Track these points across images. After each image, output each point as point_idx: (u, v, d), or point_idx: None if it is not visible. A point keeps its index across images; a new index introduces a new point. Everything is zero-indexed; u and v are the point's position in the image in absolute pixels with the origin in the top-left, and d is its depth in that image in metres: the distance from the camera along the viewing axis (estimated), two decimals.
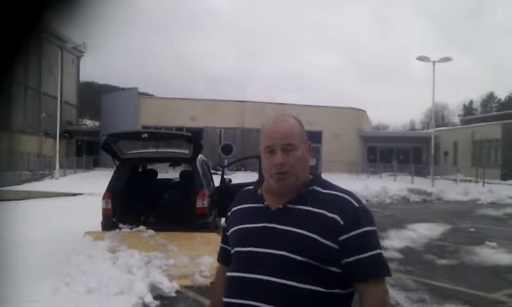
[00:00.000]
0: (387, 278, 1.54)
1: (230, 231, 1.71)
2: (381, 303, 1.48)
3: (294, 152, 1.57)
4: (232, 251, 1.66)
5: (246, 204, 1.70)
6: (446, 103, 71.59)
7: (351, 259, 1.48)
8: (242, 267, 1.57)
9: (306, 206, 1.54)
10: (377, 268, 1.50)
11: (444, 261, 7.51)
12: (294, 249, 1.49)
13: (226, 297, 1.60)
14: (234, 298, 1.56)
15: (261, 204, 1.63)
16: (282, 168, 1.55)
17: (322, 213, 1.51)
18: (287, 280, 1.47)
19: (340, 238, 1.48)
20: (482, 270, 6.98)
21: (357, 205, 1.54)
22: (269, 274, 1.49)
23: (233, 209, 1.75)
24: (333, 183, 1.64)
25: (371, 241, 1.51)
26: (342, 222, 1.49)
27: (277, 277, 1.48)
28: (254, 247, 1.56)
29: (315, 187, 1.59)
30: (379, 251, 1.51)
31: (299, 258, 1.48)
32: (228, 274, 1.63)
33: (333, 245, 1.48)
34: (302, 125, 1.66)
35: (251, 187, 1.77)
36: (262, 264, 1.52)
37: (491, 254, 7.93)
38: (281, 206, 1.57)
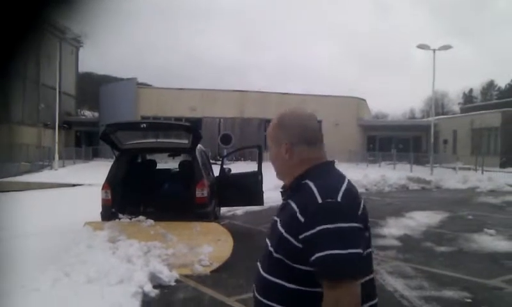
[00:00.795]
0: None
1: None
2: (334, 305, 1.38)
3: (270, 151, 1.70)
4: None
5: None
6: (446, 91, 71.33)
7: (311, 258, 1.43)
8: (261, 255, 1.68)
9: (292, 201, 1.55)
10: (327, 270, 1.40)
11: (442, 249, 7.54)
12: (274, 244, 1.56)
13: None
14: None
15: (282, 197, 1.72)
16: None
17: (292, 209, 1.52)
18: (266, 273, 1.57)
19: (300, 237, 1.45)
20: (481, 257, 7.02)
21: (319, 201, 1.45)
22: (261, 265, 1.63)
23: None
24: (327, 174, 1.58)
25: (326, 240, 1.40)
26: (302, 220, 1.46)
27: (262, 270, 1.61)
28: (267, 238, 1.66)
29: (307, 181, 1.55)
30: (334, 251, 1.38)
31: (274, 253, 1.54)
32: None
33: (297, 244, 1.47)
34: (282, 125, 1.65)
35: None
36: (262, 254, 1.64)
37: (490, 242, 7.96)
38: (283, 200, 1.65)
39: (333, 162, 1.65)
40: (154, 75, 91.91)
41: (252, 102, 36.85)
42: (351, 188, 1.53)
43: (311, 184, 1.52)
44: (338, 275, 1.39)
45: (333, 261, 1.38)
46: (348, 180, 1.58)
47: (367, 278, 1.53)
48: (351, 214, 1.46)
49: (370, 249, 1.57)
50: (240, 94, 37.59)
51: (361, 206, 1.53)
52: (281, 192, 1.71)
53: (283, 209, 1.60)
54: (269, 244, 1.59)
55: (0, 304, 4.27)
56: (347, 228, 1.42)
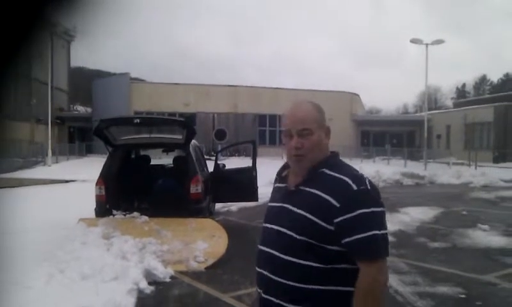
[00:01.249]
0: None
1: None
2: (370, 283, 1.54)
3: (309, 137, 1.68)
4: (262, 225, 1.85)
5: (278, 183, 1.86)
6: (439, 86, 71.62)
7: (347, 240, 1.56)
8: (262, 241, 1.77)
9: (311, 188, 1.65)
10: (367, 250, 1.55)
11: (436, 244, 7.58)
12: (295, 228, 1.63)
13: (255, 266, 1.80)
14: (256, 266, 1.78)
15: (283, 185, 1.79)
16: (298, 151, 1.68)
17: (320, 196, 1.61)
18: (289, 256, 1.63)
19: (335, 221, 1.57)
20: (474, 253, 7.06)
21: (355, 188, 1.58)
22: (277, 249, 1.67)
23: (273, 187, 1.90)
24: (345, 164, 1.71)
25: (365, 223, 1.55)
26: (337, 205, 1.57)
27: (281, 253, 1.65)
28: (271, 224, 1.75)
29: (324, 169, 1.67)
30: (372, 232, 1.55)
31: (298, 237, 1.61)
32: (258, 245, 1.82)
33: (328, 227, 1.58)
34: (320, 110, 1.76)
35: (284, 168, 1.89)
36: (273, 239, 1.70)
37: (483, 237, 8.01)
38: (293, 188, 1.71)
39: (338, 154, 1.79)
40: (147, 70, 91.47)
41: (245, 96, 36.79)
42: (369, 178, 1.68)
43: (335, 173, 1.64)
44: (377, 254, 1.57)
45: (372, 241, 1.55)
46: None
47: None
48: (379, 200, 1.62)
49: None
50: (234, 89, 37.51)
51: None
52: (280, 178, 1.83)
53: (296, 195, 1.68)
54: (285, 229, 1.66)
55: None
56: (379, 212, 1.60)
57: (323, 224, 1.58)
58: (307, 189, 1.66)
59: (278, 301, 1.64)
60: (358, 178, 1.62)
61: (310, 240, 1.59)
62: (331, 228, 1.57)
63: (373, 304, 1.55)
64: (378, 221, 1.58)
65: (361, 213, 1.55)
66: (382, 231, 1.58)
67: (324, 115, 1.76)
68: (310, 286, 1.60)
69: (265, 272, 1.70)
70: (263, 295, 1.71)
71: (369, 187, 1.61)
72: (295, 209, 1.65)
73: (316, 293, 1.59)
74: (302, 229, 1.61)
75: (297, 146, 1.67)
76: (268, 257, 1.70)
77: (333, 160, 1.71)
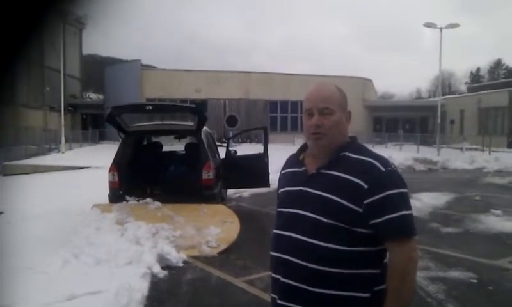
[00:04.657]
0: None
1: (278, 193, 1.87)
2: (406, 261, 1.58)
3: (330, 116, 1.70)
4: (277, 210, 1.83)
5: (291, 168, 1.85)
6: (453, 70, 70.57)
7: (376, 221, 1.59)
8: (280, 225, 1.76)
9: (336, 171, 1.66)
10: (399, 229, 1.59)
11: (449, 230, 7.55)
12: (321, 211, 1.63)
13: (270, 251, 1.79)
14: (273, 251, 1.76)
15: (301, 169, 1.78)
16: (318, 129, 1.69)
17: (348, 179, 1.63)
18: (313, 239, 1.63)
19: (365, 202, 1.59)
20: (487, 238, 7.02)
21: (383, 169, 1.62)
22: (299, 232, 1.67)
23: (282, 173, 1.90)
24: (368, 148, 1.74)
25: (394, 203, 1.59)
26: (366, 187, 1.60)
27: (305, 236, 1.65)
28: (290, 208, 1.73)
29: (347, 153, 1.70)
30: (403, 212, 1.58)
31: (325, 220, 1.62)
32: (273, 231, 1.82)
33: (357, 209, 1.60)
34: (343, 94, 1.80)
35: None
36: (294, 223, 1.69)
37: (496, 222, 7.95)
38: (314, 172, 1.72)
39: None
40: (158, 56, 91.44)
41: (257, 83, 36.64)
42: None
43: (360, 156, 1.67)
44: (409, 232, 1.60)
45: (404, 220, 1.58)
46: None
47: None
48: (403, 181, 1.66)
49: None
50: (245, 76, 37.38)
51: None
52: (296, 162, 1.83)
53: (319, 179, 1.68)
54: (309, 213, 1.65)
55: (10, 285, 4.34)
56: (406, 193, 1.64)
57: (352, 206, 1.60)
58: (331, 172, 1.66)
59: (299, 285, 1.64)
60: (385, 160, 1.67)
61: (337, 223, 1.60)
62: (360, 209, 1.59)
63: (411, 283, 1.61)
64: (406, 201, 1.62)
65: (391, 194, 1.58)
66: (409, 211, 1.61)
67: (346, 100, 1.79)
68: (334, 270, 1.60)
69: (285, 256, 1.68)
70: (282, 279, 1.69)
71: (395, 169, 1.66)
72: (320, 192, 1.65)
73: (340, 276, 1.60)
74: (329, 211, 1.61)
75: (318, 123, 1.69)
76: (289, 241, 1.68)
77: (355, 144, 1.74)
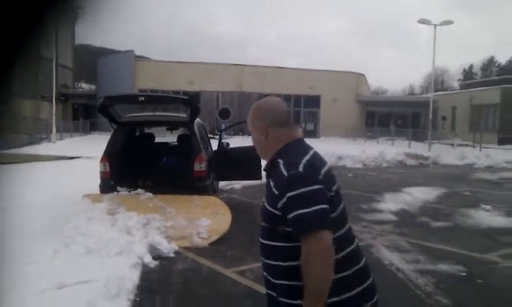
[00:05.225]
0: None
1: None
2: (305, 255, 1.70)
3: (252, 137, 2.04)
4: None
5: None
6: (446, 67, 71.01)
7: (287, 221, 1.77)
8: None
9: (270, 179, 1.91)
10: (297, 226, 1.74)
11: (439, 224, 7.61)
12: (262, 215, 1.93)
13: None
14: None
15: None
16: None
17: (270, 186, 1.87)
18: (263, 239, 1.94)
19: (278, 206, 1.80)
20: (476, 232, 7.09)
21: (285, 174, 1.79)
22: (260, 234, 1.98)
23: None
24: (292, 152, 1.88)
25: (293, 204, 1.74)
26: (276, 192, 1.81)
27: (260, 237, 1.97)
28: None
29: (279, 159, 1.88)
30: (299, 211, 1.72)
31: (263, 223, 1.93)
32: None
33: (276, 212, 1.81)
34: (257, 113, 1.99)
35: None
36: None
37: (485, 217, 8.02)
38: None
39: (302, 139, 1.96)
40: (151, 47, 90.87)
41: (250, 75, 36.61)
42: (312, 159, 1.83)
43: (280, 162, 1.85)
44: (306, 229, 1.71)
45: (300, 218, 1.72)
46: (314, 152, 1.89)
47: (343, 230, 1.87)
48: (311, 179, 1.76)
49: (342, 205, 1.88)
50: (238, 68, 37.33)
51: (324, 171, 1.82)
52: (264, 171, 2.05)
53: (267, 187, 1.92)
54: (262, 218, 1.95)
55: (0, 274, 4.31)
56: (309, 191, 1.74)
57: (272, 210, 1.83)
58: (268, 180, 1.91)
59: (265, 274, 1.95)
60: (291, 163, 1.80)
61: (268, 225, 1.88)
62: (278, 213, 1.80)
63: (315, 275, 1.69)
64: (305, 200, 1.72)
65: (291, 196, 1.75)
66: (312, 208, 1.70)
67: (261, 116, 1.97)
68: (278, 263, 1.85)
69: (261, 256, 1.99)
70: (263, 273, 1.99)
71: (300, 170, 1.77)
72: (263, 199, 1.93)
73: (282, 268, 1.83)
74: (263, 216, 1.91)
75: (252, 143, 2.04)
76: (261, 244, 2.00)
77: (288, 148, 1.91)
